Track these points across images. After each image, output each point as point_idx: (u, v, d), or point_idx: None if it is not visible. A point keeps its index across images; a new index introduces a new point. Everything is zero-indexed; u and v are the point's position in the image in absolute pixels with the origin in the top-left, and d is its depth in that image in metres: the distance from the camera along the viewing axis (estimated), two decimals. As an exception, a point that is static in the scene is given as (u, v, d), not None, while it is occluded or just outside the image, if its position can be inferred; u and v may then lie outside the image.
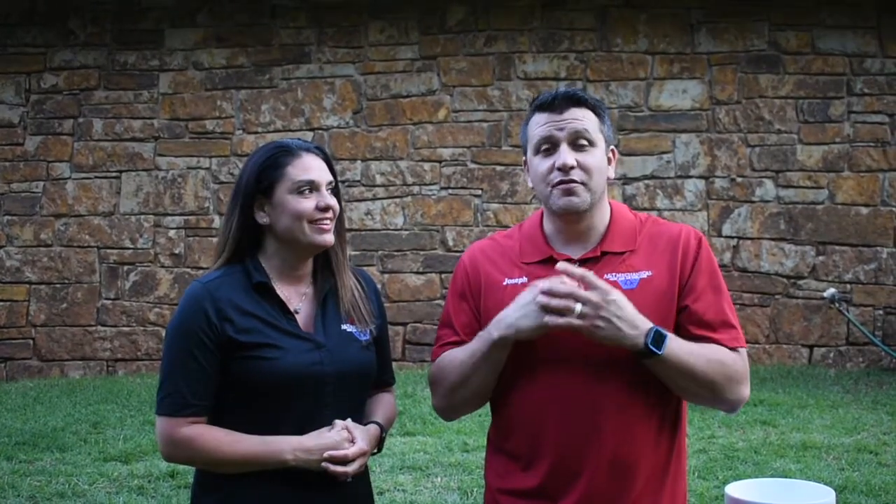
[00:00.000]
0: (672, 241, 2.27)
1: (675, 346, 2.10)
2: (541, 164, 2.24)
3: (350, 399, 2.30)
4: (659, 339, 2.07)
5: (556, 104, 2.22)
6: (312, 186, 2.26)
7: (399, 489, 5.00)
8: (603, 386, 2.17)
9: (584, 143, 2.22)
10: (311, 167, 2.28)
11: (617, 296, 2.07)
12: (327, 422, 2.24)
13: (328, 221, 2.28)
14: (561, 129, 2.21)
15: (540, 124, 2.24)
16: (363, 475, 2.33)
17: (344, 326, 2.31)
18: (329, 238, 2.29)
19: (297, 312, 2.29)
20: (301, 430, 2.21)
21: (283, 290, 2.29)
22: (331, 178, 2.31)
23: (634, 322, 2.07)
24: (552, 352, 2.19)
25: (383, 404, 2.44)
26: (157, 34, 8.64)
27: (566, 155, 2.20)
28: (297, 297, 2.31)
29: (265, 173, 2.27)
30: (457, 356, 2.24)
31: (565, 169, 2.19)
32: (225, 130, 8.61)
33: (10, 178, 8.60)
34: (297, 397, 2.21)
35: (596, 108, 2.26)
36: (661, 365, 2.10)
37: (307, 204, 2.25)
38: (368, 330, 2.35)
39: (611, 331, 2.06)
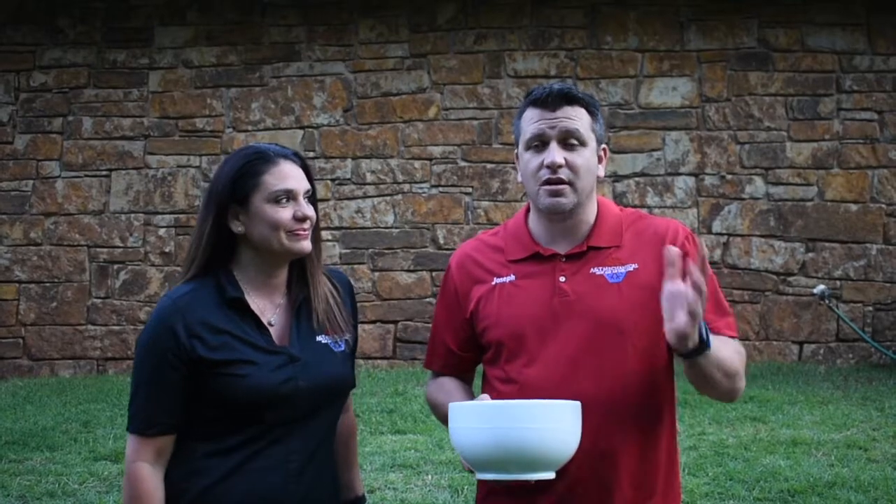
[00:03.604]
0: (658, 234, 2.27)
1: (715, 341, 2.09)
2: (530, 161, 2.24)
3: (325, 414, 2.27)
4: (706, 331, 2.06)
5: (549, 101, 2.22)
6: (290, 195, 2.21)
7: (390, 487, 4.99)
8: (598, 381, 2.18)
9: (575, 142, 2.22)
10: (289, 175, 2.22)
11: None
12: (301, 437, 2.22)
13: (305, 230, 2.23)
14: (553, 128, 2.22)
15: (532, 120, 2.24)
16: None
17: (319, 338, 2.27)
18: (306, 245, 2.24)
19: (270, 325, 2.25)
20: (276, 445, 2.19)
21: (257, 302, 2.24)
22: (308, 186, 2.26)
23: None
24: (545, 352, 2.21)
25: (351, 450, 2.45)
26: (147, 32, 8.62)
27: (555, 153, 2.20)
28: (272, 309, 2.27)
29: (241, 181, 2.21)
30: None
31: (553, 167, 2.19)
32: (215, 129, 8.59)
33: (-1, 176, 8.58)
34: (272, 413, 2.18)
35: (589, 106, 2.26)
36: (704, 359, 2.07)
37: (284, 214, 2.20)
38: (344, 340, 2.31)
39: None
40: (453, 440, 2.04)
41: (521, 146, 2.28)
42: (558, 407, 1.99)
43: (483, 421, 1.96)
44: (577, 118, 2.23)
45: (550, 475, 1.99)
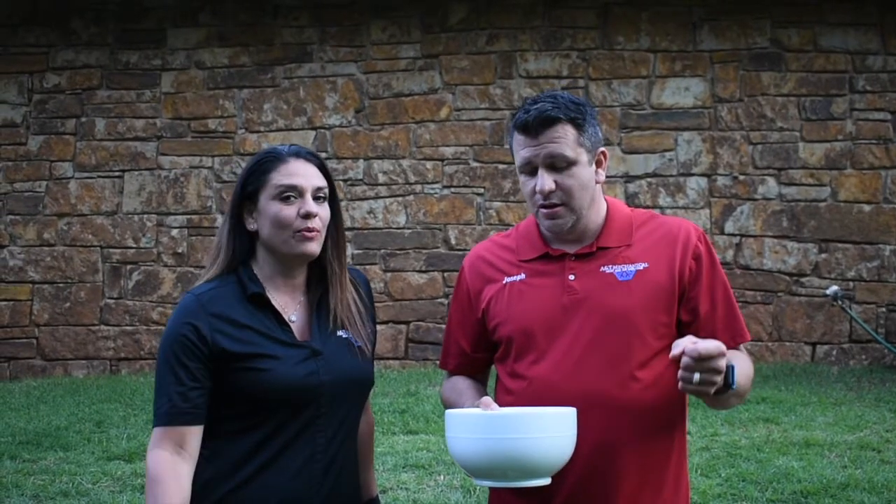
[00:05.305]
0: (670, 234, 2.27)
1: (741, 375, 2.08)
2: (526, 184, 2.26)
3: (347, 411, 2.26)
4: (732, 374, 2.03)
5: (530, 127, 2.20)
6: (296, 192, 2.19)
7: (402, 487, 5.00)
8: (606, 378, 2.18)
9: (562, 164, 2.20)
10: (297, 172, 2.21)
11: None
12: (325, 435, 2.21)
13: (313, 230, 2.20)
14: (537, 154, 2.21)
15: (520, 146, 2.24)
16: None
17: (340, 332, 2.26)
18: (313, 247, 2.21)
19: (291, 321, 2.24)
20: (300, 445, 2.18)
21: (278, 299, 2.24)
22: (321, 183, 2.23)
23: None
24: (554, 349, 2.22)
25: (368, 451, 2.42)
26: (160, 33, 8.65)
27: (544, 180, 2.20)
28: (293, 306, 2.26)
29: (251, 179, 2.23)
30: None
31: (544, 194, 2.20)
32: (227, 130, 8.62)
33: (12, 177, 8.62)
34: (294, 407, 2.18)
35: (574, 120, 2.21)
36: (727, 396, 2.06)
37: (288, 211, 2.18)
38: (364, 340, 2.31)
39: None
40: (450, 449, 2.05)
41: (517, 167, 2.29)
42: (551, 415, 2.00)
43: (477, 431, 1.97)
44: (561, 138, 2.19)
45: (546, 481, 2.00)
